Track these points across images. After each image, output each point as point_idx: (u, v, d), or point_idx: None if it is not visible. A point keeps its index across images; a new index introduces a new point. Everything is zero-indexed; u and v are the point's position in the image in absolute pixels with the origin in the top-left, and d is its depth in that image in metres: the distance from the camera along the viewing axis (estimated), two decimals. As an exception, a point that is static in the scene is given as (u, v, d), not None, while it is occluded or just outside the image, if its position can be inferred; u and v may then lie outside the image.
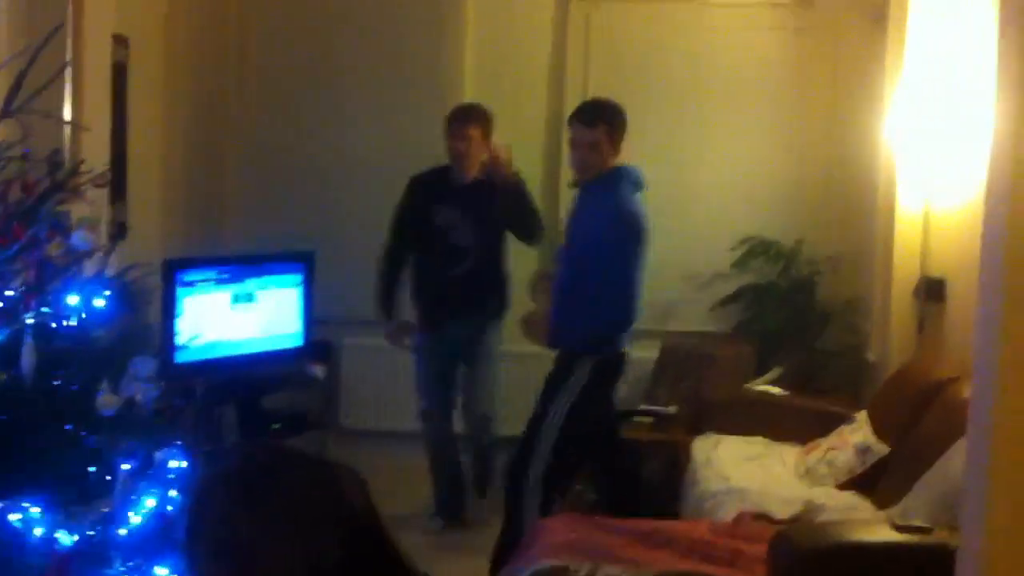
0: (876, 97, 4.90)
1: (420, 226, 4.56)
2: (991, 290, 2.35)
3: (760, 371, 5.05)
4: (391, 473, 4.24)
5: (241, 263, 4.57)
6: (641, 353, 5.25)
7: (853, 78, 5.17)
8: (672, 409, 4.66)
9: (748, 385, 4.92)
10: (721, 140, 5.38)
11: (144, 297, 2.54)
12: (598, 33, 5.35)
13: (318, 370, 4.95)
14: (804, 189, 5.31)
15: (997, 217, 2.33)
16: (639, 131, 5.38)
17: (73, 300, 2.12)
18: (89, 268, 2.26)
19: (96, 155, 3.11)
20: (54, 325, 2.06)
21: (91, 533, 1.91)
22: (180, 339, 4.12)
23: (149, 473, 2.07)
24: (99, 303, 2.15)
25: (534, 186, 5.37)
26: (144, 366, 2.10)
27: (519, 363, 4.85)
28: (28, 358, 1.97)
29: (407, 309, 4.71)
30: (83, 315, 2.12)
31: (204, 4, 5.27)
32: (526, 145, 5.42)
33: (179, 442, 2.14)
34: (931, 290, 4.49)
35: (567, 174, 5.33)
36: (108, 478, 2.00)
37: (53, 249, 2.15)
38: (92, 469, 2.01)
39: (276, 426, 4.69)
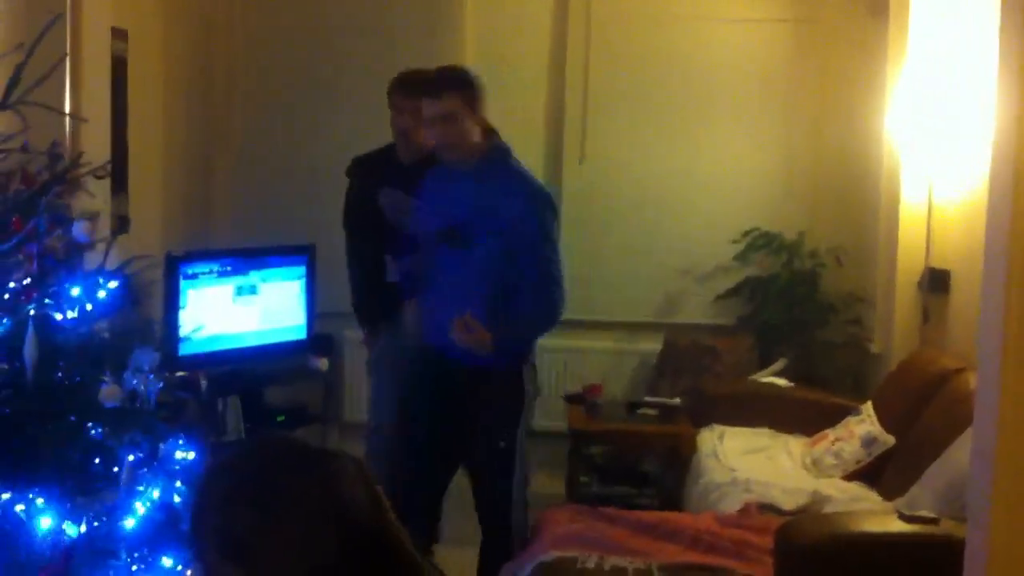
0: (879, 89, 4.88)
1: (366, 214, 3.79)
2: (995, 281, 2.34)
3: (763, 363, 5.04)
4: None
5: (243, 256, 4.56)
6: (644, 345, 5.27)
7: (856, 70, 5.15)
8: (676, 401, 4.65)
9: (752, 377, 4.92)
10: (723, 132, 5.36)
11: (146, 290, 2.53)
12: (598, 27, 5.33)
13: (321, 363, 4.94)
14: (807, 181, 5.30)
15: (1001, 207, 2.32)
16: (640, 123, 5.41)
17: (75, 292, 2.11)
18: (90, 261, 2.26)
19: (96, 147, 3.10)
20: (57, 317, 2.05)
21: (96, 524, 1.91)
22: (183, 332, 4.11)
23: (154, 465, 2.07)
24: (101, 296, 2.15)
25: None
26: (147, 358, 2.10)
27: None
28: (31, 351, 1.97)
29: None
30: (85, 308, 2.11)
31: (195, 4, 5.25)
32: (527, 142, 5.41)
33: (184, 434, 2.13)
34: (935, 281, 4.48)
35: (571, 175, 5.38)
36: (113, 470, 2.00)
37: (54, 242, 2.15)
38: (96, 461, 2.00)
39: (279, 419, 4.69)
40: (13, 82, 2.07)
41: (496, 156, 3.29)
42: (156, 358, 2.12)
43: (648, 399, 4.64)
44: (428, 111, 3.22)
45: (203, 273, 4.33)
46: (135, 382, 2.02)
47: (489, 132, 3.31)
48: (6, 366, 1.99)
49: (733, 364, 5.02)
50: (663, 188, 5.36)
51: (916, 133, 4.50)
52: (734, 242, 5.21)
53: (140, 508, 2.01)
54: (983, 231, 2.43)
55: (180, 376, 4.00)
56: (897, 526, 2.94)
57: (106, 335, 2.19)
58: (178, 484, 2.11)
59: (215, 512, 1.37)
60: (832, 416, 4.24)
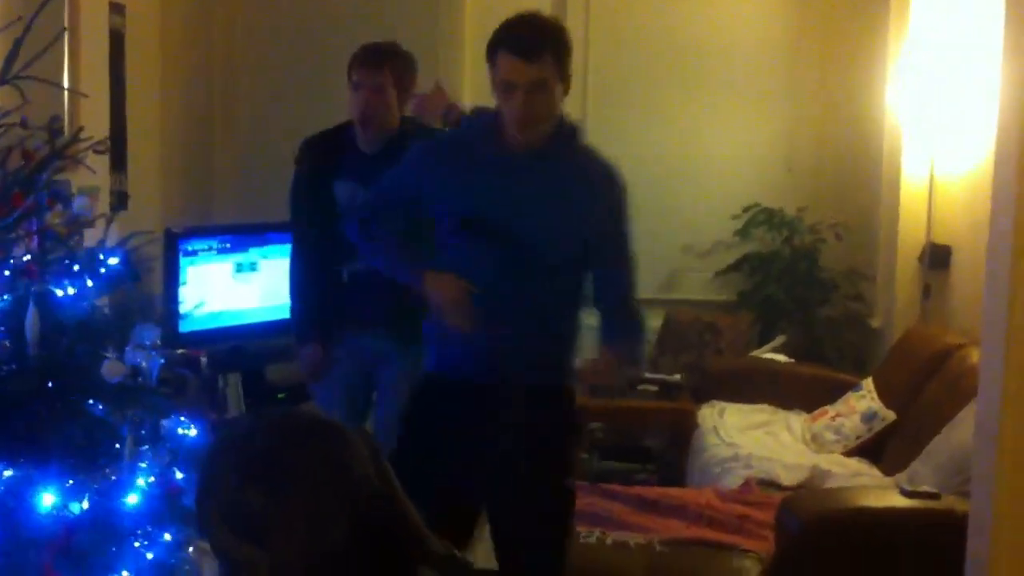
0: (880, 63, 4.86)
1: (317, 206, 3.36)
2: (1001, 256, 2.33)
3: (764, 339, 5.04)
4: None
5: (242, 232, 4.54)
6: (647, 322, 5.26)
7: (858, 44, 5.12)
8: (677, 377, 4.65)
9: (753, 353, 4.92)
10: (723, 109, 5.33)
11: (146, 266, 2.52)
12: (597, 9, 5.29)
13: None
14: (807, 157, 5.28)
15: (1006, 182, 2.31)
16: (642, 103, 5.38)
17: (76, 269, 2.10)
18: (90, 237, 2.25)
19: (95, 123, 3.09)
20: (58, 294, 2.04)
21: (99, 501, 1.91)
22: (183, 308, 4.10)
23: (156, 442, 2.07)
24: (102, 272, 2.14)
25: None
26: (148, 335, 2.08)
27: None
28: (32, 327, 1.96)
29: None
30: (86, 284, 2.10)
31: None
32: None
33: (186, 411, 2.13)
34: (936, 257, 4.48)
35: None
36: (115, 447, 1.99)
37: (54, 218, 2.13)
38: (98, 438, 2.00)
39: (280, 396, 4.68)
40: (12, 56, 2.05)
41: (568, 132, 2.60)
42: (157, 334, 2.11)
43: (649, 375, 4.64)
44: (517, 75, 2.40)
45: (202, 250, 4.31)
46: (137, 358, 2.02)
47: None
48: (8, 343, 1.98)
49: (734, 340, 5.02)
50: (664, 165, 5.34)
51: (918, 108, 4.48)
52: (734, 218, 5.20)
53: (142, 484, 2.00)
54: (985, 207, 2.42)
55: (181, 353, 4.01)
56: (898, 501, 2.95)
57: (107, 311, 2.18)
58: (179, 461, 2.11)
59: (224, 488, 1.37)
60: (833, 392, 4.25)
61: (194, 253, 4.27)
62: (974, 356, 3.25)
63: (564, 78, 2.49)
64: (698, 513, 3.22)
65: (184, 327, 4.04)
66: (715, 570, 3.01)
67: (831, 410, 4.11)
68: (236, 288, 4.44)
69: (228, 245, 4.42)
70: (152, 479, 2.02)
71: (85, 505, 1.91)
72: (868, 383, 4.13)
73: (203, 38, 5.27)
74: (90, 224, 2.22)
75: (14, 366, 1.97)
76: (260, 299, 4.53)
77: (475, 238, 2.54)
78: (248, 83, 5.39)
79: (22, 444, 1.91)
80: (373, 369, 3.38)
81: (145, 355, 2.05)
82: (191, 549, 2.04)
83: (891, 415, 3.86)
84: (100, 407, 2.00)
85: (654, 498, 3.37)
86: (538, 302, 2.54)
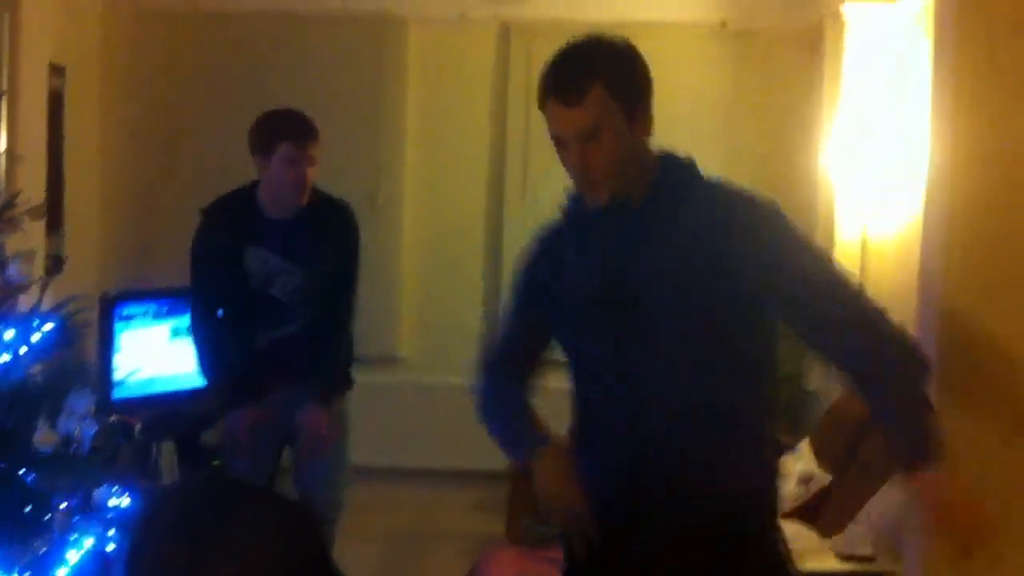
0: (813, 127, 4.98)
1: (228, 274, 3.30)
2: (927, 317, 2.39)
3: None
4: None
5: (180, 296, 4.49)
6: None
7: (791, 108, 5.25)
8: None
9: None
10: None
11: (81, 331, 2.48)
12: (540, 63, 5.32)
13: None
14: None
15: (933, 244, 2.38)
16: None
17: (9, 335, 2.07)
18: (25, 301, 2.21)
19: (32, 186, 3.06)
20: (-11, 360, 2.01)
21: (28, 574, 1.86)
22: (118, 374, 4.03)
23: (87, 512, 2.02)
24: (35, 338, 2.10)
25: (477, 224, 5.41)
26: (81, 402, 2.05)
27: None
28: (-38, 395, 1.92)
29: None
30: (19, 351, 2.07)
31: (140, 33, 5.21)
32: (469, 177, 5.44)
33: (118, 480, 2.09)
34: (870, 318, 4.54)
35: (514, 209, 5.40)
36: (46, 517, 1.95)
37: (-12, 283, 2.10)
38: (28, 508, 1.95)
39: (216, 461, 4.60)
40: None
41: (674, 171, 2.01)
42: (91, 402, 2.08)
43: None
44: (562, 125, 1.90)
45: (138, 314, 4.26)
46: (70, 426, 1.98)
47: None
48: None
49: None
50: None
51: (850, 171, 4.59)
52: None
53: (73, 556, 1.96)
54: (915, 268, 2.49)
55: (114, 420, 3.94)
56: (835, 565, 2.96)
57: (40, 379, 2.14)
58: (111, 532, 2.06)
59: (149, 549, 1.34)
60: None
61: (130, 317, 4.21)
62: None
63: (630, 112, 1.87)
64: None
65: (118, 393, 3.98)
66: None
67: (770, 471, 4.13)
68: (172, 352, 4.38)
69: (164, 309, 4.37)
70: (84, 550, 1.98)
71: (14, 577, 1.86)
72: (804, 445, 4.16)
73: (144, 99, 5.25)
74: (25, 289, 2.19)
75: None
76: (196, 364, 4.47)
77: (597, 331, 1.97)
78: (189, 144, 5.37)
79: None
80: (289, 425, 3.32)
81: (78, 423, 2.02)
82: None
83: (827, 477, 3.89)
84: (32, 477, 1.96)
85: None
86: (694, 385, 1.91)
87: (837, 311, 1.90)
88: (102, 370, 3.97)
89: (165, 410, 4.30)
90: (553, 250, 2.05)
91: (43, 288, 2.25)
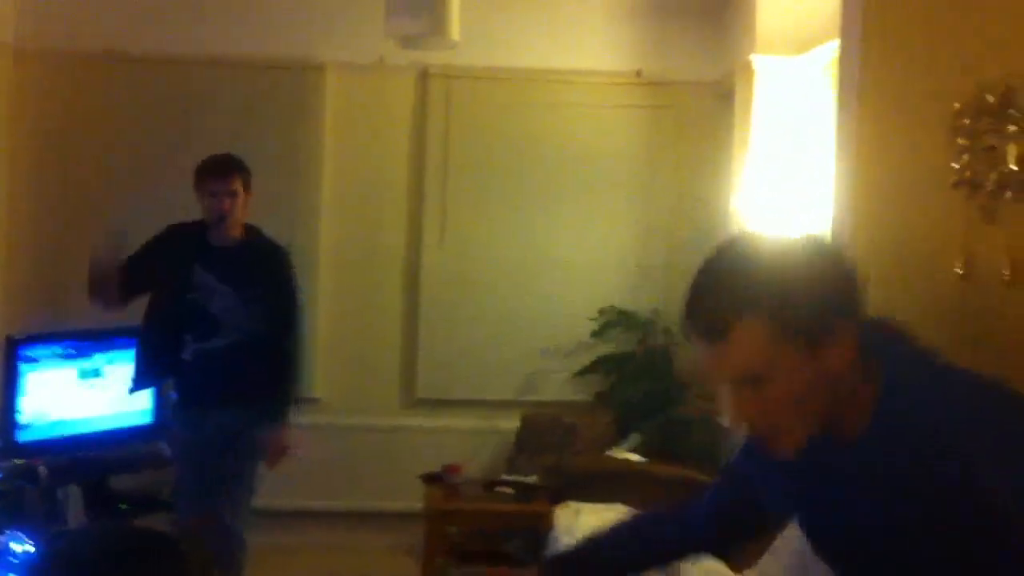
0: (726, 171, 5.10)
1: (173, 285, 3.85)
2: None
3: (621, 439, 5.10)
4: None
5: (87, 338, 4.40)
6: (503, 424, 5.28)
7: (705, 152, 5.36)
8: (533, 479, 4.66)
9: (608, 452, 4.97)
10: (581, 213, 5.46)
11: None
12: (458, 110, 5.40)
13: (169, 449, 4.77)
14: (661, 260, 5.44)
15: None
16: (500, 204, 5.48)
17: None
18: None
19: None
20: None
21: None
22: (23, 418, 3.92)
23: (-12, 559, 1.96)
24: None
25: (395, 268, 5.40)
26: (-16, 445, 2.00)
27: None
28: None
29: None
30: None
31: (48, 75, 5.12)
32: (388, 223, 5.43)
33: (23, 525, 2.03)
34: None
35: (431, 253, 5.41)
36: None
37: None
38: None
39: (123, 507, 4.50)
40: None
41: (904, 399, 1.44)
42: (-6, 445, 2.02)
43: (506, 477, 4.63)
44: (710, 368, 1.46)
45: (45, 356, 4.16)
46: (-30, 471, 1.92)
47: None
48: None
49: (591, 440, 5.07)
50: (522, 268, 5.44)
51: (761, 214, 4.70)
52: (591, 319, 5.30)
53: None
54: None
55: (19, 464, 3.83)
56: (749, 598, 2.99)
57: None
58: (15, 578, 2.00)
59: None
60: (687, 490, 4.29)
61: (35, 360, 4.11)
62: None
63: (811, 340, 1.35)
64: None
65: (23, 437, 3.87)
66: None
67: (685, 509, 4.16)
68: (80, 395, 4.28)
69: (72, 351, 4.27)
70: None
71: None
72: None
73: (51, 141, 5.14)
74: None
75: None
76: (104, 406, 4.38)
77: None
78: (97, 188, 5.26)
79: None
80: (222, 443, 3.75)
81: (-21, 467, 1.95)
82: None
83: (742, 512, 3.93)
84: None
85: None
86: None
87: None
88: (6, 413, 3.86)
89: (73, 454, 4.19)
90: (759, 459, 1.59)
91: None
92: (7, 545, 2.00)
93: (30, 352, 4.09)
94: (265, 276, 3.88)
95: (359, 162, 5.42)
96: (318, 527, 5.16)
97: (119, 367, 4.45)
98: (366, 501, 5.24)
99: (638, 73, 5.44)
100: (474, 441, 5.34)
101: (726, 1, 5.26)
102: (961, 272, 1.98)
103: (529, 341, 5.38)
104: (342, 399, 5.38)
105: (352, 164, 5.39)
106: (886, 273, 2.28)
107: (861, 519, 1.43)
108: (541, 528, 4.37)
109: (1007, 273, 1.85)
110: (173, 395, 3.99)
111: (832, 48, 3.73)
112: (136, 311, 4.72)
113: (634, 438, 5.04)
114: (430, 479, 4.72)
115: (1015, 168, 1.85)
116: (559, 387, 5.41)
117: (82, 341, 4.35)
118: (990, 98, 1.91)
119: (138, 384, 4.00)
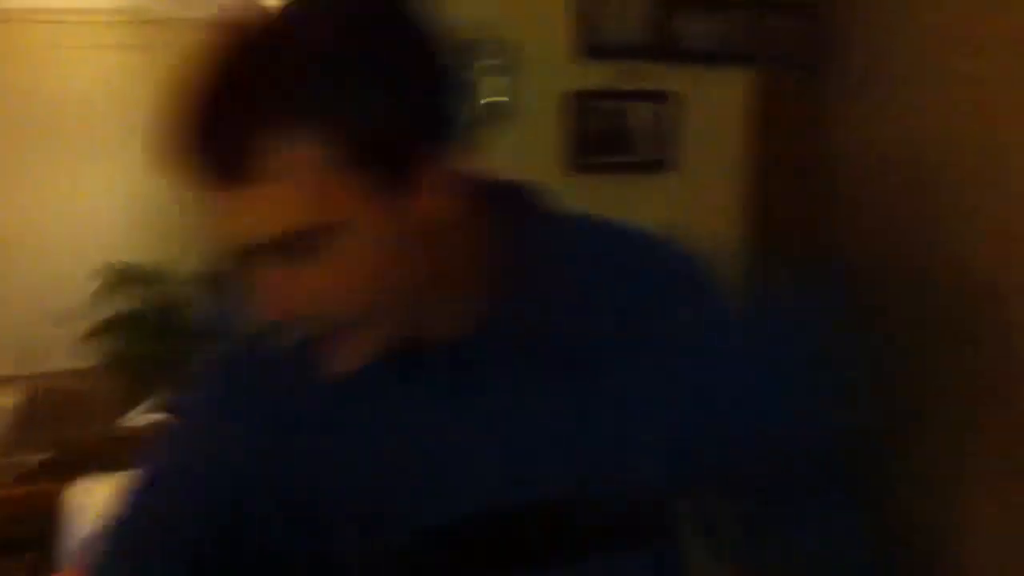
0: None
1: None
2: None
3: (140, 404, 4.81)
4: None
5: None
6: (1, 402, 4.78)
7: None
8: (37, 459, 4.25)
9: (128, 416, 4.66)
10: (70, 166, 5.05)
11: None
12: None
13: None
14: (159, 210, 5.15)
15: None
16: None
17: None
18: None
19: None
20: None
21: None
22: None
23: None
24: None
25: None
26: None
27: None
28: None
29: None
30: None
31: None
32: None
33: None
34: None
35: None
36: None
37: None
38: None
39: None
40: None
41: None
42: None
43: (5, 460, 4.18)
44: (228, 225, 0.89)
45: None
46: None
47: None
48: None
49: (106, 408, 4.73)
50: (8, 230, 4.92)
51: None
52: (91, 279, 4.92)
53: None
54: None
55: None
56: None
57: None
58: None
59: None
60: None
61: None
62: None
63: (365, 181, 0.88)
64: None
65: None
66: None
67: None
68: None
69: None
70: None
71: None
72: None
73: None
74: None
75: None
76: None
77: None
78: None
79: None
80: None
81: None
82: None
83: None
84: None
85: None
86: None
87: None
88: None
89: None
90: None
91: None
92: None
93: None
94: None
95: None
96: None
97: None
98: None
99: (131, 11, 5.06)
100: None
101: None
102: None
103: (24, 308, 4.89)
104: None
105: None
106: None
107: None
108: (52, 511, 4.00)
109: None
110: None
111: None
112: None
113: (154, 400, 4.77)
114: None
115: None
116: (65, 356, 4.97)
117: None
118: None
119: None
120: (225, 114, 0.79)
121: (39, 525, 4.08)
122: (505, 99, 2.26)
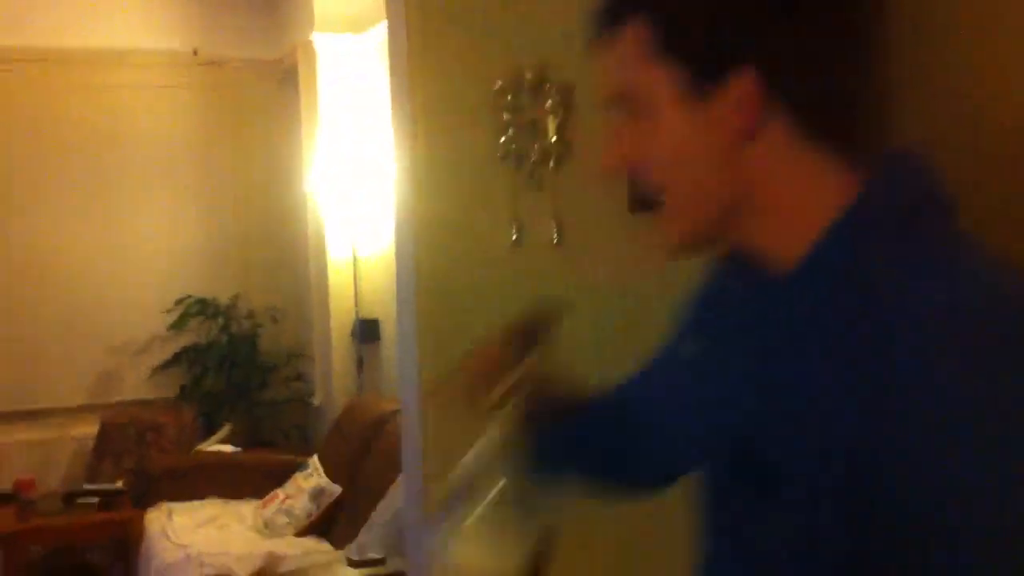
0: (297, 156, 5.09)
1: None
2: (407, 324, 2.53)
3: (210, 433, 4.97)
4: None
5: None
6: (80, 430, 4.94)
7: (273, 139, 5.31)
8: (118, 485, 4.42)
9: (198, 447, 4.82)
10: (146, 202, 5.21)
11: None
12: (3, 98, 4.95)
13: None
14: (236, 246, 5.33)
15: (406, 260, 2.53)
16: (61, 201, 5.07)
17: None
18: None
19: None
20: None
21: None
22: None
23: None
24: None
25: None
26: None
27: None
28: None
29: None
30: None
31: None
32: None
33: None
34: (366, 330, 4.74)
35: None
36: None
37: None
38: None
39: None
40: None
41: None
42: None
43: (88, 487, 4.36)
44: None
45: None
46: None
47: None
48: None
49: (178, 437, 4.89)
50: (88, 265, 5.11)
51: (336, 196, 4.74)
52: (167, 311, 5.10)
53: None
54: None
55: None
56: (347, 572, 3.04)
57: None
58: None
59: None
60: (282, 475, 4.29)
61: None
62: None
63: (673, 69, 1.05)
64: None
65: None
66: None
67: (281, 493, 4.15)
68: None
69: None
70: None
71: None
72: (314, 461, 4.23)
73: None
74: None
75: None
76: None
77: None
78: None
79: None
80: None
81: None
82: None
83: (337, 489, 3.98)
84: None
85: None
86: None
87: None
88: None
89: None
90: None
91: None
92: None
93: None
94: None
95: None
96: None
97: None
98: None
99: (195, 52, 5.26)
100: (48, 452, 4.97)
101: (282, -21, 5.23)
102: (515, 237, 2.10)
103: (102, 340, 5.08)
104: None
105: None
106: (448, 243, 2.37)
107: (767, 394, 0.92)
108: (131, 536, 4.17)
109: (555, 236, 1.99)
110: None
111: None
112: None
113: (224, 429, 4.93)
114: (1, 499, 4.33)
115: (555, 139, 1.99)
116: (139, 385, 5.16)
117: None
118: (528, 75, 2.03)
119: None
120: None
121: (119, 550, 4.25)
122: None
